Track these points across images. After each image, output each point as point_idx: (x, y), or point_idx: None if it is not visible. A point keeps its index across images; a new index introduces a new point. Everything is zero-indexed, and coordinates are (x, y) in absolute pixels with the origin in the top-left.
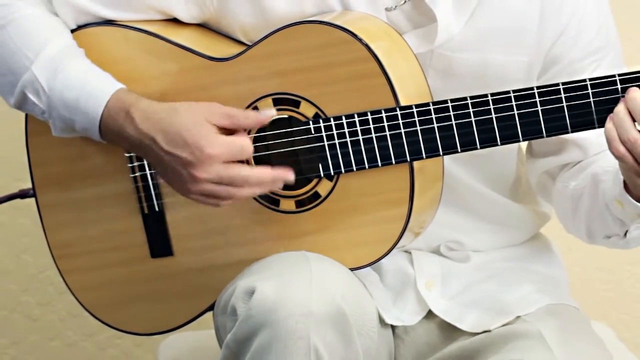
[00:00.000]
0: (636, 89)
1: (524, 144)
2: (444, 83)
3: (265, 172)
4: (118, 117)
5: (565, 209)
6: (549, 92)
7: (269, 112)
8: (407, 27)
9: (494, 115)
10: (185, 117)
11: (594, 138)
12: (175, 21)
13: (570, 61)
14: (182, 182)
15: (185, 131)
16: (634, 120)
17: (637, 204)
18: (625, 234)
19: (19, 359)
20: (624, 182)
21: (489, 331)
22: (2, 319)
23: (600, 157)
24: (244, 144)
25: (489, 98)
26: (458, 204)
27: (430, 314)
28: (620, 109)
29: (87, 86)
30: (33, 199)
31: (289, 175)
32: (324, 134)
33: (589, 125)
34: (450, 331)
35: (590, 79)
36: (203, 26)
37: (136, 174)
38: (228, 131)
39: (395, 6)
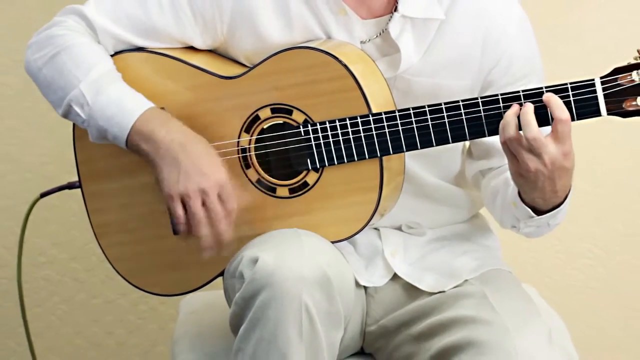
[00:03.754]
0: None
1: (466, 147)
2: (405, 101)
3: (227, 230)
4: (153, 122)
5: (487, 200)
6: (489, 102)
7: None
8: (377, 56)
9: (446, 120)
10: (211, 148)
11: None
12: (192, 48)
13: (501, 85)
14: (185, 184)
15: (212, 152)
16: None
17: (525, 207)
18: (520, 229)
19: (69, 313)
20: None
21: (443, 292)
22: (56, 282)
23: None
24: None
25: (443, 106)
26: (415, 192)
27: (395, 277)
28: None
29: (123, 104)
30: (79, 190)
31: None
32: (311, 135)
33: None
34: (411, 291)
35: (502, 94)
36: (214, 52)
37: None
38: None
39: (369, 39)
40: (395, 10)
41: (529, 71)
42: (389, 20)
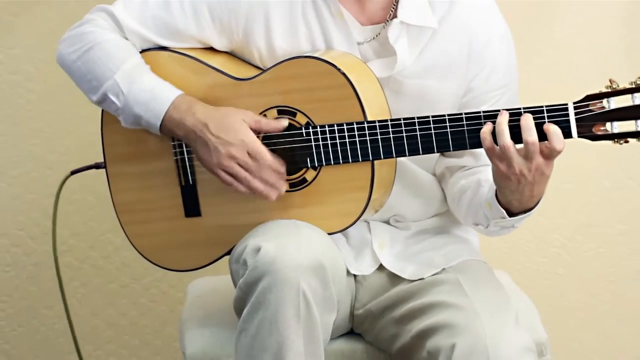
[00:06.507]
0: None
1: None
2: (396, 100)
3: (270, 174)
4: (181, 110)
5: (452, 197)
6: (472, 117)
7: (283, 122)
8: (372, 57)
9: (433, 131)
10: (231, 114)
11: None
12: (211, 49)
13: (481, 92)
14: (217, 158)
15: (229, 122)
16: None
17: (501, 208)
18: (487, 227)
19: (87, 296)
20: (496, 191)
21: (422, 279)
22: (75, 268)
23: (487, 169)
24: (261, 149)
25: (430, 119)
26: (405, 185)
27: (381, 267)
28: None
29: (156, 91)
30: (97, 182)
31: (283, 186)
32: (312, 137)
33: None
34: (395, 279)
35: (484, 112)
36: (231, 54)
37: (177, 157)
38: None
39: (366, 41)
40: (394, 16)
41: (507, 82)
42: (385, 25)
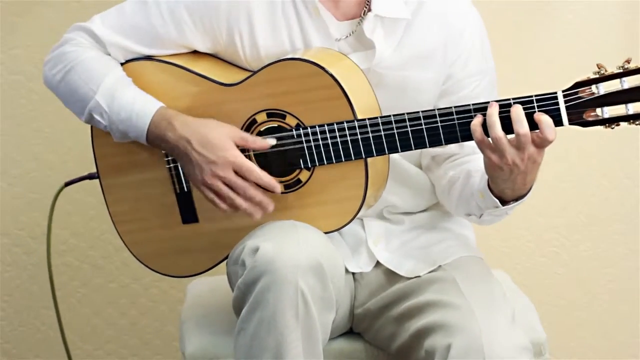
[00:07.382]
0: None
1: None
2: (377, 92)
3: (256, 192)
4: (161, 126)
5: (442, 189)
6: (462, 111)
7: (270, 141)
8: (349, 52)
9: (424, 127)
10: (215, 130)
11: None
12: (195, 54)
13: (460, 78)
14: (201, 175)
15: (214, 139)
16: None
17: (494, 197)
18: (480, 217)
19: (88, 296)
20: (488, 180)
21: (419, 277)
22: (75, 268)
23: (475, 158)
24: (249, 166)
25: (420, 114)
26: (394, 178)
27: (378, 264)
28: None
29: (136, 107)
30: (97, 181)
31: (270, 205)
32: (303, 138)
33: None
34: (392, 276)
35: (473, 104)
36: (217, 58)
37: (170, 165)
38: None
39: (343, 38)
40: (369, 10)
41: (484, 68)
42: (360, 21)
